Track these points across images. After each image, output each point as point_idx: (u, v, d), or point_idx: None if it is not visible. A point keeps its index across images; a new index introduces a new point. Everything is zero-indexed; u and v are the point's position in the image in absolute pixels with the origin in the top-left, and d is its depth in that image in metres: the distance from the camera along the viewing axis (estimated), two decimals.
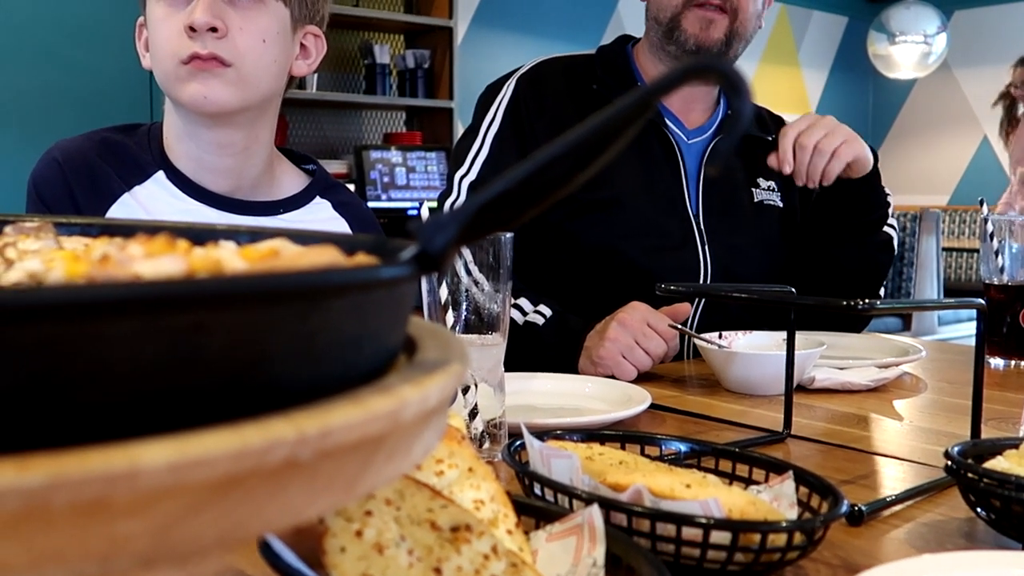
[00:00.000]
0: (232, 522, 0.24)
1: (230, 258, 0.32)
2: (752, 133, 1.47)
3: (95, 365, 0.23)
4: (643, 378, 1.15)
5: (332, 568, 0.42)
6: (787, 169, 1.28)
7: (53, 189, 1.05)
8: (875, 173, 1.38)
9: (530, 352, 1.25)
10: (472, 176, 1.38)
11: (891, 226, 1.46)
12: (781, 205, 1.49)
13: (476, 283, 0.82)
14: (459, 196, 1.37)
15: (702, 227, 1.41)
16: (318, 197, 1.17)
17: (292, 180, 1.17)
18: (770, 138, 1.47)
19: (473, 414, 0.82)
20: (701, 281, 1.39)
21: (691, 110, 1.46)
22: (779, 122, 1.52)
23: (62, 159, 1.06)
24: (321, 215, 1.16)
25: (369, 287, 0.30)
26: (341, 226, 1.17)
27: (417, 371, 0.31)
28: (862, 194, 1.39)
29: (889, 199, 1.45)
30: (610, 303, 1.22)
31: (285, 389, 0.27)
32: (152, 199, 1.06)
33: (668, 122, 1.42)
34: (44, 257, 0.40)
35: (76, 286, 0.22)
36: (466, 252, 0.82)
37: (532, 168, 0.32)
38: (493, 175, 1.33)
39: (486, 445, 0.83)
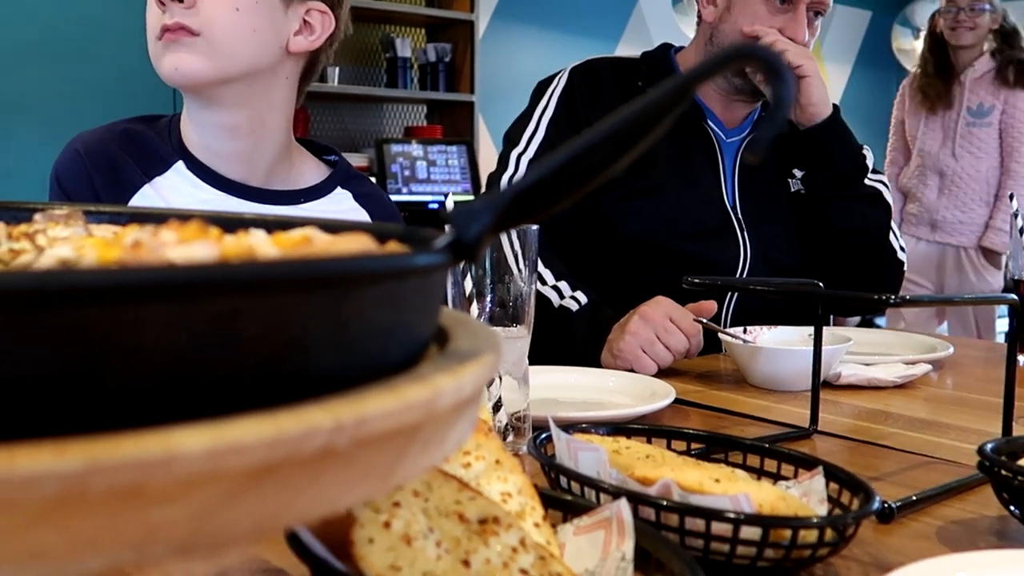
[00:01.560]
0: (267, 511, 0.23)
1: (263, 245, 0.32)
2: (784, 130, 1.51)
3: (132, 350, 0.22)
4: (668, 372, 1.14)
5: (360, 559, 0.42)
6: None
7: (75, 181, 1.05)
8: (836, 126, 1.43)
9: (559, 337, 1.26)
10: (530, 154, 1.43)
11: (877, 181, 1.49)
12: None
13: (502, 275, 0.82)
14: (517, 171, 1.42)
15: (740, 217, 1.45)
16: (339, 188, 1.17)
17: (313, 170, 1.17)
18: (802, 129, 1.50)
19: (497, 407, 0.82)
20: (740, 267, 1.43)
21: (730, 112, 1.51)
22: None
23: (83, 151, 1.06)
24: (342, 205, 1.16)
25: (404, 275, 0.29)
26: (362, 216, 1.17)
27: (451, 360, 0.30)
28: (825, 146, 1.44)
29: (866, 153, 1.48)
30: (651, 290, 1.23)
31: (320, 377, 0.27)
32: (173, 189, 1.06)
33: (709, 121, 1.47)
34: (74, 244, 0.39)
35: (113, 270, 0.22)
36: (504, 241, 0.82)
37: (568, 156, 0.31)
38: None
39: (510, 438, 0.82)
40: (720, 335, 1.13)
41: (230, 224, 0.47)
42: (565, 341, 1.25)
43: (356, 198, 1.17)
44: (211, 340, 0.24)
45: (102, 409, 0.22)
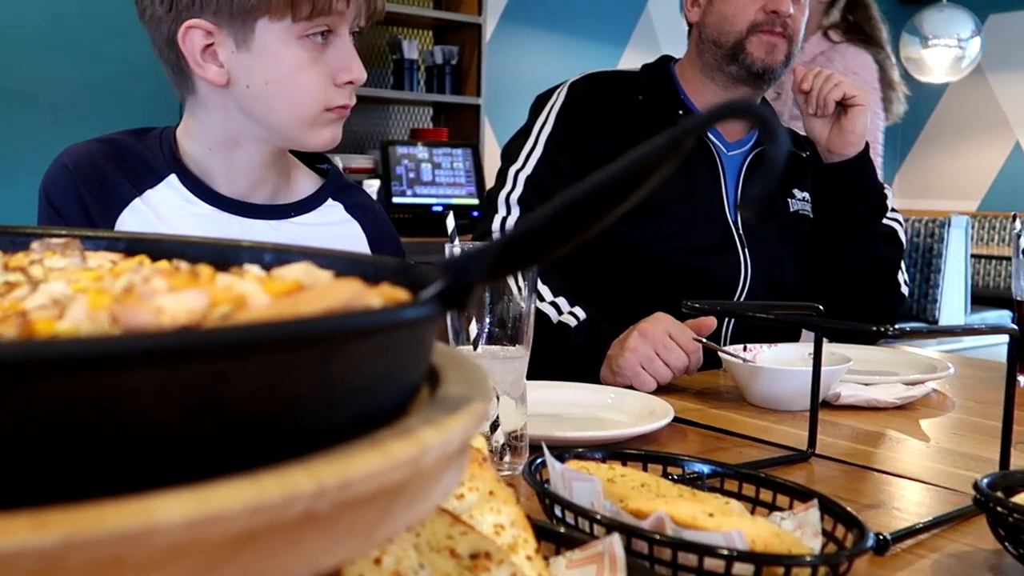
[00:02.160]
0: (248, 574, 0.23)
1: (253, 293, 0.32)
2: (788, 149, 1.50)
3: (113, 417, 0.22)
4: (667, 389, 1.14)
5: None
6: (805, 86, 1.43)
7: (64, 195, 1.04)
8: (865, 163, 1.46)
9: (558, 353, 1.26)
10: (528, 171, 1.42)
11: (893, 220, 1.51)
12: (813, 216, 1.53)
13: (501, 295, 0.82)
14: (514, 187, 1.41)
15: (741, 233, 1.45)
16: (330, 199, 1.16)
17: (305, 182, 1.16)
18: (804, 154, 1.51)
19: (494, 427, 0.82)
20: (741, 284, 1.43)
21: (732, 124, 1.50)
22: (811, 141, 1.54)
23: (72, 166, 1.04)
24: (334, 217, 1.15)
25: (394, 329, 0.29)
26: (354, 228, 1.16)
27: (439, 410, 0.30)
28: (851, 182, 1.45)
29: (887, 192, 1.50)
30: (651, 307, 1.23)
31: (305, 433, 0.26)
32: (164, 203, 1.05)
33: (709, 134, 1.47)
34: (70, 277, 0.39)
35: (93, 339, 0.22)
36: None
37: (561, 207, 0.31)
38: (548, 172, 1.40)
39: (507, 458, 0.82)
40: (719, 353, 1.12)
41: (226, 253, 0.47)
42: (564, 357, 1.25)
43: (348, 209, 1.16)
44: (194, 404, 0.24)
45: (82, 475, 0.22)
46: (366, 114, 4.14)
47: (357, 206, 1.17)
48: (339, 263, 0.41)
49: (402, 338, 0.30)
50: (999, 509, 0.58)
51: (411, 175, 3.84)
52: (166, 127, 1.12)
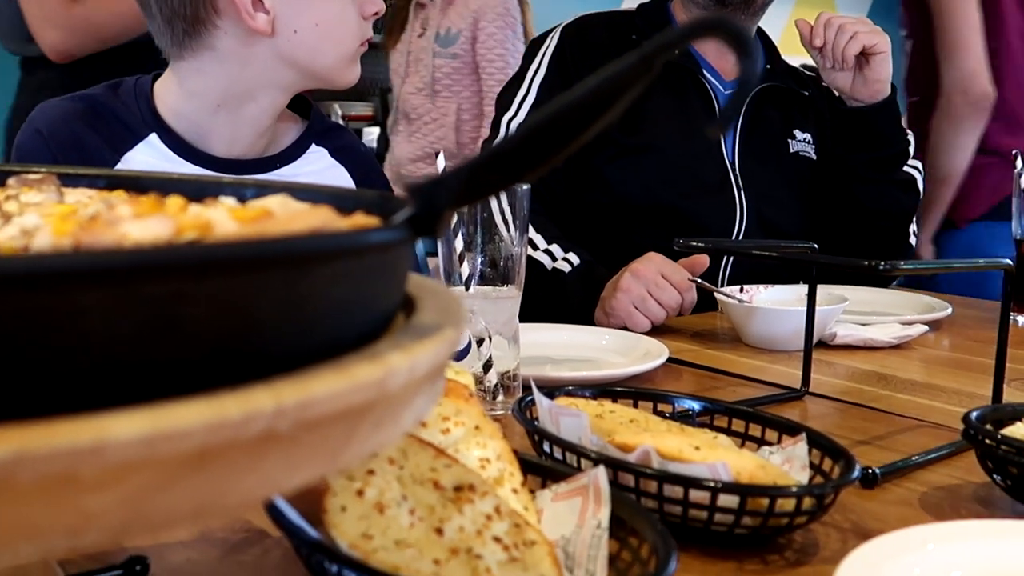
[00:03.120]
0: (208, 494, 0.23)
1: (221, 220, 0.32)
2: (789, 86, 1.49)
3: (69, 336, 0.22)
4: (662, 331, 1.14)
5: (332, 527, 0.42)
6: (818, 42, 1.36)
7: (37, 163, 1.02)
8: (892, 108, 1.42)
9: (554, 299, 1.25)
10: (521, 118, 1.40)
11: (913, 167, 1.48)
12: (815, 158, 1.50)
13: (492, 235, 0.82)
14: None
15: (738, 173, 1.42)
16: (314, 145, 1.14)
17: (289, 129, 1.14)
18: (806, 93, 1.48)
19: (487, 366, 0.82)
20: (737, 225, 1.41)
21: (725, 61, 1.47)
22: (816, 77, 1.50)
23: (47, 132, 1.01)
24: (318, 164, 1.13)
25: (359, 253, 0.29)
26: (340, 173, 1.14)
27: (409, 337, 0.30)
28: (877, 126, 1.42)
29: (909, 138, 1.47)
30: (646, 249, 1.22)
31: (270, 358, 0.26)
32: (145, 165, 1.02)
33: (705, 72, 1.44)
34: (44, 211, 0.39)
35: (47, 255, 0.22)
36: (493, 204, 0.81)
37: (530, 128, 0.30)
38: None
39: (500, 397, 0.82)
40: (716, 294, 1.12)
41: (208, 189, 0.46)
42: (560, 304, 1.24)
43: (332, 154, 1.14)
44: (154, 324, 0.23)
45: (34, 395, 0.22)
46: (365, 61, 4.08)
47: (341, 149, 1.15)
48: (318, 195, 0.41)
49: (370, 263, 0.30)
50: (987, 441, 0.58)
51: None
52: (139, 78, 1.07)
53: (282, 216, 0.33)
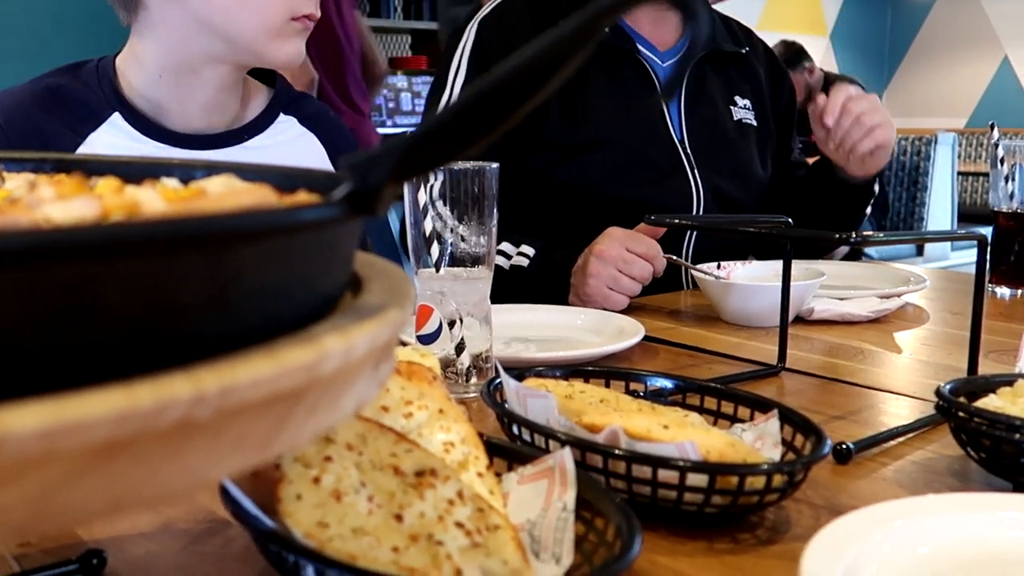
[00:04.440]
0: (121, 487, 0.22)
1: (150, 200, 0.30)
2: (725, 48, 1.43)
3: None
4: (638, 309, 1.13)
5: (286, 516, 0.41)
6: (829, 121, 1.29)
7: None
8: (878, 177, 1.41)
9: (521, 296, 1.22)
10: None
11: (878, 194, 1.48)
12: (756, 124, 1.47)
13: (462, 216, 0.80)
14: None
15: (689, 151, 1.38)
16: (282, 114, 1.11)
17: (255, 101, 1.12)
18: (744, 50, 1.45)
19: (460, 348, 0.81)
20: (695, 206, 1.37)
21: (661, 31, 1.41)
22: (748, 33, 1.47)
23: (4, 121, 0.99)
24: (288, 134, 1.11)
25: (289, 231, 0.27)
26: (311, 142, 1.12)
27: (348, 318, 0.29)
28: (860, 192, 1.40)
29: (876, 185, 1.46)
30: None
31: (194, 342, 0.25)
32: (109, 147, 1.00)
33: (640, 47, 1.37)
34: None
35: None
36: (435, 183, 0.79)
37: (470, 99, 0.29)
38: None
39: (473, 379, 0.81)
40: (693, 271, 1.11)
41: (155, 171, 0.45)
42: (527, 298, 1.21)
43: (302, 122, 1.12)
44: (60, 310, 0.22)
45: None
46: None
47: (310, 117, 1.13)
48: (264, 175, 0.39)
49: (304, 242, 0.29)
50: (961, 414, 0.57)
51: (391, 105, 3.79)
52: (102, 58, 1.05)
53: (216, 195, 0.31)
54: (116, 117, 1.01)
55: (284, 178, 0.38)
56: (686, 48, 1.42)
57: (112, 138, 1.01)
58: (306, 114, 1.13)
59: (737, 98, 1.45)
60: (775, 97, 1.52)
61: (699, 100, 1.40)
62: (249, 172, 0.39)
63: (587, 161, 1.32)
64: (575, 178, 1.32)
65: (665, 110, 1.38)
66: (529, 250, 1.24)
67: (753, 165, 1.44)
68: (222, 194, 0.31)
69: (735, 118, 1.44)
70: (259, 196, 0.31)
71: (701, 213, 1.37)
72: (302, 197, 0.33)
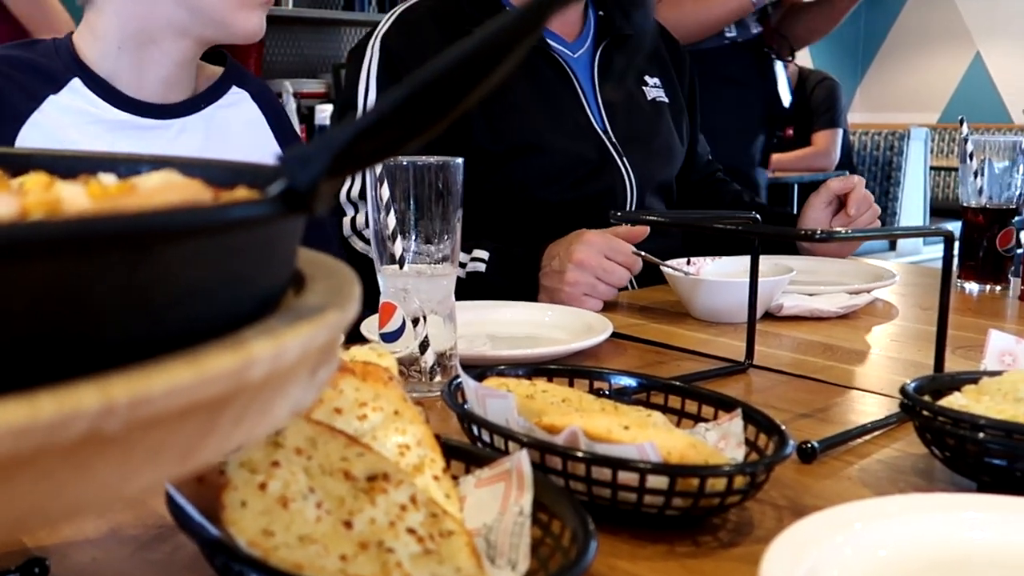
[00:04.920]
0: (26, 504, 0.21)
1: (73, 197, 0.29)
2: (625, 31, 1.43)
3: None
4: (607, 306, 1.12)
5: (230, 524, 0.39)
6: (853, 211, 1.30)
7: None
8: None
9: (485, 298, 1.21)
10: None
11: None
12: (668, 100, 1.49)
13: (425, 212, 0.79)
14: (353, 179, 1.29)
15: (614, 139, 1.38)
16: (235, 87, 1.11)
17: (209, 76, 1.12)
18: (644, 29, 1.46)
19: (424, 347, 0.79)
20: (628, 192, 1.38)
21: (566, 22, 1.41)
22: (643, 11, 1.48)
23: None
24: (241, 107, 1.11)
25: (215, 231, 0.26)
26: (259, 116, 1.12)
27: (281, 321, 0.28)
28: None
29: None
30: (550, 238, 1.19)
31: (109, 350, 0.24)
32: (67, 111, 0.99)
33: (550, 41, 1.37)
34: None
35: None
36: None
37: (408, 92, 0.28)
38: None
39: (437, 378, 0.80)
40: (661, 267, 1.10)
41: (98, 166, 0.43)
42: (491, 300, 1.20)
43: (253, 98, 1.12)
44: None
45: None
46: (317, 37, 4.03)
47: (259, 94, 1.14)
48: (208, 170, 0.38)
49: (234, 242, 0.27)
50: (925, 413, 0.57)
51: None
52: (56, 38, 1.04)
53: (144, 192, 0.30)
54: (76, 82, 1.01)
55: (226, 173, 0.37)
56: (593, 35, 1.42)
57: (71, 101, 1.00)
58: (255, 91, 1.14)
59: (647, 78, 1.46)
60: (679, 73, 1.54)
61: (613, 84, 1.41)
62: (192, 167, 0.38)
63: (519, 167, 1.30)
64: (509, 185, 1.31)
65: (584, 103, 1.38)
66: (483, 254, 1.21)
67: (673, 140, 1.47)
68: (151, 190, 0.29)
69: (649, 97, 1.45)
70: (190, 192, 0.30)
71: (634, 199, 1.38)
72: (240, 193, 0.32)
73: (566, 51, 1.39)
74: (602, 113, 1.39)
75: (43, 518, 0.22)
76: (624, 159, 1.37)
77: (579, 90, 1.37)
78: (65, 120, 0.99)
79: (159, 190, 0.30)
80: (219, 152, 1.07)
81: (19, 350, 0.22)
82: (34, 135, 0.97)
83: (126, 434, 0.22)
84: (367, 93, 1.31)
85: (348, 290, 0.32)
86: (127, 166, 0.43)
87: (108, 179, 0.38)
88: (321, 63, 4.04)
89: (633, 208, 1.38)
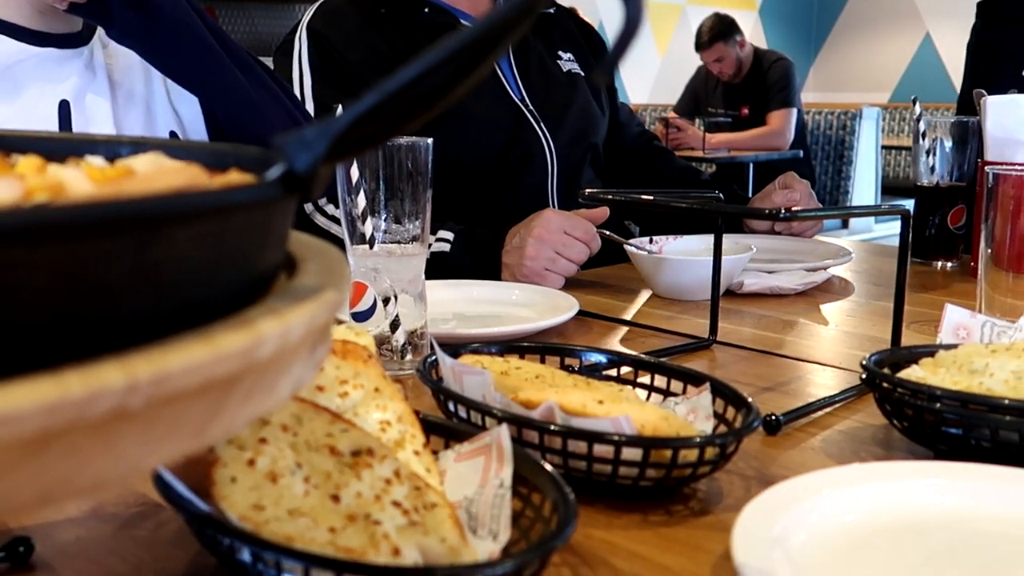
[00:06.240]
0: (53, 479, 0.22)
1: (75, 180, 0.29)
2: (545, 11, 1.48)
3: None
4: (572, 284, 1.14)
5: (221, 500, 0.40)
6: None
7: None
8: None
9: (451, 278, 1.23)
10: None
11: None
12: (583, 73, 1.54)
13: (395, 191, 0.80)
14: None
15: (532, 108, 1.44)
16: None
17: None
18: (552, 10, 1.52)
19: (395, 325, 0.80)
20: (549, 162, 1.43)
21: (477, 4, 1.45)
22: None
23: None
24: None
25: (223, 213, 0.27)
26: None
27: (284, 300, 0.28)
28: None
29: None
30: (482, 213, 1.22)
31: (124, 329, 0.24)
32: None
33: (462, 20, 1.41)
34: None
35: None
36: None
37: (407, 78, 0.29)
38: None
39: (408, 357, 0.81)
40: (624, 246, 1.12)
41: (80, 148, 0.43)
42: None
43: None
44: None
45: None
46: (271, 13, 3.98)
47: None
48: (193, 153, 0.38)
49: (237, 224, 0.28)
50: (884, 385, 0.59)
51: None
52: None
53: (144, 175, 0.31)
54: None
55: (214, 156, 0.38)
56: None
57: None
58: None
59: (560, 52, 1.52)
60: (592, 50, 1.59)
61: (528, 60, 1.46)
62: (178, 150, 0.39)
63: (439, 136, 1.33)
64: (441, 160, 1.34)
65: (501, 75, 1.43)
66: (448, 234, 1.23)
67: (591, 108, 1.52)
68: (151, 174, 0.30)
69: (564, 70, 1.51)
70: (190, 176, 0.31)
71: (555, 165, 1.43)
72: (233, 177, 0.33)
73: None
74: (519, 84, 1.44)
75: (68, 491, 0.22)
76: (541, 124, 1.42)
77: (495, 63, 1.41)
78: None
79: (160, 173, 0.30)
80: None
81: (43, 329, 0.23)
82: None
83: (147, 410, 0.23)
84: (303, 79, 1.33)
85: (340, 270, 0.33)
86: (107, 148, 0.43)
87: (97, 161, 0.39)
88: (274, 39, 3.99)
89: (556, 174, 1.43)
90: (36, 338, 0.23)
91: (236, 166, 0.35)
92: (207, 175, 0.32)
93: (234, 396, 0.26)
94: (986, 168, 0.90)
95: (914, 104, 1.32)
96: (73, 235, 0.23)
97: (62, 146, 0.44)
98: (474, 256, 1.20)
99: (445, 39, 0.29)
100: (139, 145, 0.43)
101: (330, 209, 1.29)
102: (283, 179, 0.29)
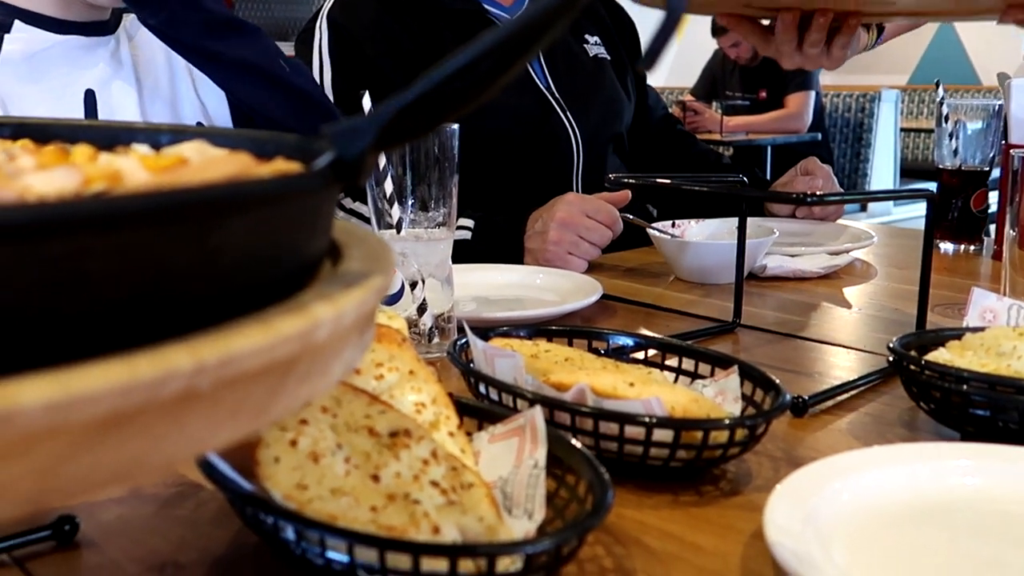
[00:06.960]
0: (126, 458, 0.22)
1: (131, 169, 0.30)
2: None
3: None
4: (595, 268, 1.15)
5: (265, 479, 0.41)
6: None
7: None
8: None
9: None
10: None
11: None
12: (610, 57, 1.52)
13: (423, 176, 0.80)
14: None
15: (557, 96, 1.43)
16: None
17: None
18: None
19: (422, 309, 0.81)
20: (575, 150, 1.42)
21: None
22: None
23: None
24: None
25: (279, 201, 0.28)
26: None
27: (334, 286, 0.29)
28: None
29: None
30: (506, 200, 1.22)
31: (188, 313, 0.25)
32: (27, 42, 1.00)
33: (486, 6, 1.40)
34: None
35: None
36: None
37: (453, 68, 0.30)
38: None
39: (435, 340, 0.82)
40: (648, 230, 1.12)
41: (120, 136, 0.44)
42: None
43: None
44: (58, 284, 0.22)
45: None
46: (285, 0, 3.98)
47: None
48: (236, 141, 0.39)
49: (291, 211, 0.29)
50: (912, 367, 0.60)
51: None
52: None
53: (197, 164, 0.31)
54: (18, 24, 1.02)
55: (257, 144, 0.38)
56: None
57: (22, 46, 1.01)
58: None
59: (587, 36, 1.50)
60: (620, 31, 1.58)
61: (554, 46, 1.44)
62: (221, 138, 0.39)
63: (464, 125, 1.34)
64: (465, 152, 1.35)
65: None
66: (468, 222, 1.23)
67: (617, 94, 1.51)
68: (205, 163, 0.31)
69: (590, 54, 1.49)
70: (241, 164, 0.31)
71: (581, 153, 1.42)
72: (280, 164, 0.34)
73: (504, 14, 1.41)
74: (544, 71, 1.43)
75: (141, 470, 0.23)
76: (567, 113, 1.41)
77: None
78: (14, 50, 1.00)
79: (212, 162, 0.31)
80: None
81: (114, 314, 0.24)
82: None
83: (213, 392, 0.24)
84: (322, 72, 1.34)
85: (385, 255, 0.34)
86: (147, 136, 0.44)
87: (143, 149, 0.39)
88: (292, 25, 4.00)
89: (582, 161, 1.42)
90: (107, 322, 0.23)
91: (279, 154, 0.35)
92: (256, 163, 0.32)
93: (292, 378, 0.27)
94: (1012, 151, 0.90)
95: (937, 87, 1.32)
96: (144, 223, 0.23)
97: (104, 134, 0.45)
98: (495, 243, 1.20)
99: (482, 33, 0.30)
100: (179, 133, 0.44)
101: (347, 203, 1.30)
102: (333, 166, 0.30)
